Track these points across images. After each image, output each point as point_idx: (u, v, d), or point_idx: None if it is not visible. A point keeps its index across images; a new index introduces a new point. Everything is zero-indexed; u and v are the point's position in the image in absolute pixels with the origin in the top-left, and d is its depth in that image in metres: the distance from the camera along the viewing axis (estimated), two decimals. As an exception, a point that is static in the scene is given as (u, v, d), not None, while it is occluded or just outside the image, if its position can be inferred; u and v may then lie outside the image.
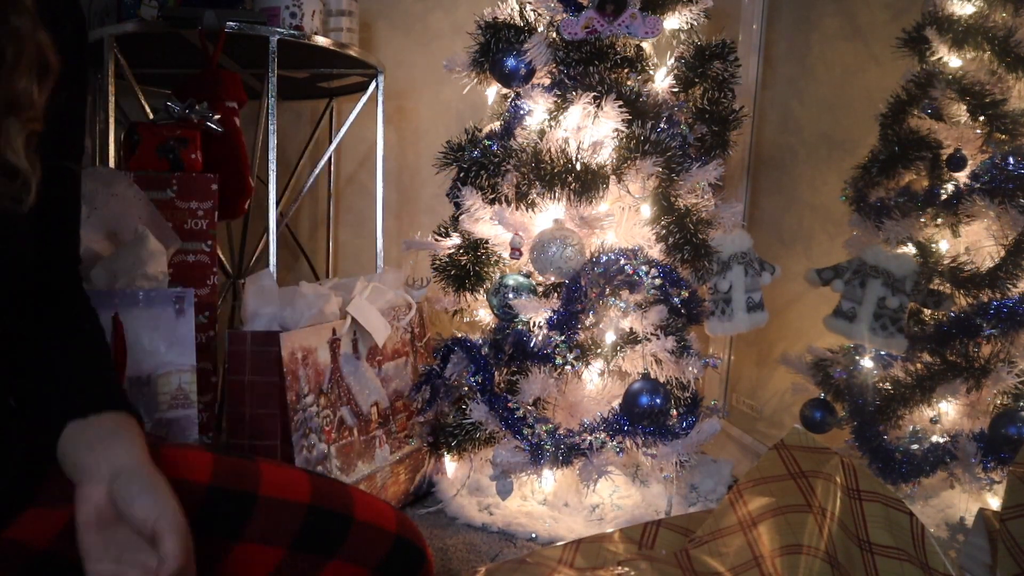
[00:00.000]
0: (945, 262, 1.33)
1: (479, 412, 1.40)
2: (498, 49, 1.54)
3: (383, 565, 0.69)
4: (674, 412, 1.45)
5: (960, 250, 1.34)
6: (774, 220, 1.88)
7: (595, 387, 1.52)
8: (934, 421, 1.35)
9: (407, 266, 1.74)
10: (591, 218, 1.43)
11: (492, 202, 1.51)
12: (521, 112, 1.56)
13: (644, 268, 1.40)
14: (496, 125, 1.61)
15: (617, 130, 1.45)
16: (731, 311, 1.48)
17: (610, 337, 1.45)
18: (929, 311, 1.39)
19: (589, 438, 1.38)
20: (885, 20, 1.55)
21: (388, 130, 2.20)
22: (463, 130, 1.60)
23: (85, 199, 1.15)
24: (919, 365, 1.36)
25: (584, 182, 1.41)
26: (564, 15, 1.48)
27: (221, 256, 2.00)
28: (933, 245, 1.36)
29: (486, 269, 1.56)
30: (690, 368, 1.42)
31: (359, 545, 0.69)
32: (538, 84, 1.55)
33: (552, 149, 1.43)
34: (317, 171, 1.99)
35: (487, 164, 1.50)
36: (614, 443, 1.38)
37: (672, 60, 1.59)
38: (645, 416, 1.39)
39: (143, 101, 1.85)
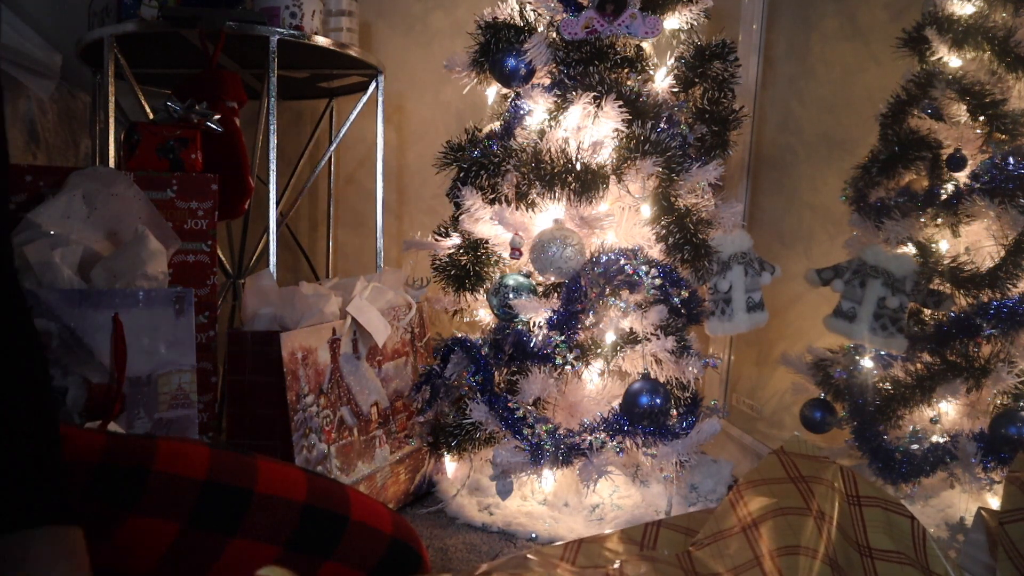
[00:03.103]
0: (945, 262, 1.33)
1: (479, 412, 1.40)
2: (498, 49, 1.54)
3: (378, 567, 0.69)
4: (674, 412, 1.45)
5: (960, 250, 1.34)
6: (774, 220, 1.87)
7: (595, 387, 1.52)
8: (934, 421, 1.35)
9: (407, 266, 1.75)
10: (591, 218, 1.43)
11: (492, 202, 1.51)
12: (521, 112, 1.56)
13: (644, 268, 1.40)
14: (496, 125, 1.61)
15: (617, 130, 1.45)
16: (731, 311, 1.48)
17: (610, 337, 1.45)
18: (929, 311, 1.39)
19: (589, 438, 1.38)
20: (885, 20, 1.55)
21: (388, 130, 2.21)
22: (463, 130, 1.61)
23: (85, 199, 1.15)
24: (919, 365, 1.36)
25: (584, 182, 1.41)
26: (564, 15, 1.48)
27: (221, 256, 2.00)
28: (933, 245, 1.36)
29: (486, 269, 1.56)
30: (690, 368, 1.42)
31: (354, 546, 0.69)
32: (538, 84, 1.55)
33: (552, 149, 1.43)
34: (317, 171, 1.99)
35: (487, 164, 1.50)
36: (614, 443, 1.38)
37: (672, 60, 1.59)
38: (645, 416, 1.39)
39: (143, 101, 1.85)
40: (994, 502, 1.28)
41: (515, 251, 1.47)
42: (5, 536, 0.44)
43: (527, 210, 1.49)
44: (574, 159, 1.41)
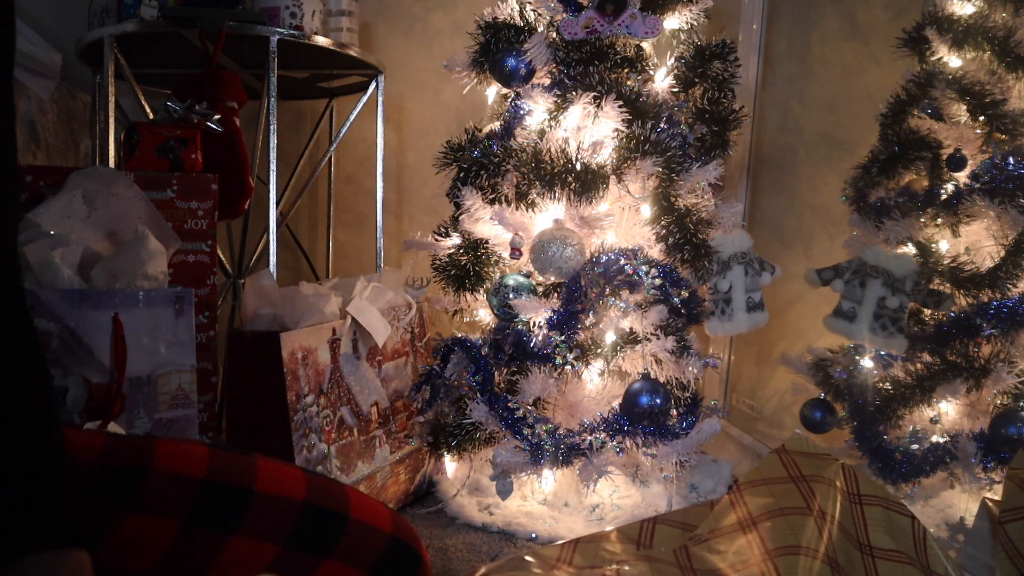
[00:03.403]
0: (945, 262, 1.33)
1: (479, 412, 1.40)
2: (498, 49, 1.54)
3: (378, 566, 0.69)
4: (674, 412, 1.45)
5: (960, 250, 1.34)
6: (774, 220, 1.87)
7: (595, 387, 1.52)
8: (934, 421, 1.35)
9: (407, 266, 1.74)
10: (591, 218, 1.43)
11: (492, 202, 1.51)
12: (521, 112, 1.56)
13: (644, 268, 1.40)
14: (496, 125, 1.61)
15: (617, 130, 1.45)
16: (731, 311, 1.48)
17: (610, 337, 1.45)
18: (929, 311, 1.39)
19: (589, 438, 1.38)
20: (885, 20, 1.55)
21: (388, 130, 2.21)
22: (463, 130, 1.61)
23: (85, 199, 1.15)
24: (919, 365, 1.36)
25: (584, 182, 1.41)
26: (564, 15, 1.48)
27: (221, 256, 2.00)
28: (933, 245, 1.36)
29: (486, 269, 1.56)
30: (690, 368, 1.42)
31: (354, 545, 0.69)
32: (538, 84, 1.55)
33: (552, 149, 1.43)
34: (317, 171, 1.99)
35: (487, 164, 1.50)
36: (614, 443, 1.38)
37: (672, 60, 1.59)
38: (645, 416, 1.39)
39: (143, 101, 1.85)
40: (996, 499, 1.28)
41: (515, 251, 1.47)
42: (7, 564, 0.42)
43: (527, 210, 1.49)
44: (574, 159, 1.41)
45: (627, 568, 1.04)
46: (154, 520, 0.63)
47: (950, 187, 1.32)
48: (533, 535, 1.39)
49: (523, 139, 1.52)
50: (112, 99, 1.62)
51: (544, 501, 1.49)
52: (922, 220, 1.36)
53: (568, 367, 1.41)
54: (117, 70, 1.63)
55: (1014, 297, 1.25)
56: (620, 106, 1.43)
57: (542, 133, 1.49)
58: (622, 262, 1.40)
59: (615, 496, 1.49)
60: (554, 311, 1.41)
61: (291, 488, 0.68)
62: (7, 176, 0.51)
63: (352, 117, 1.97)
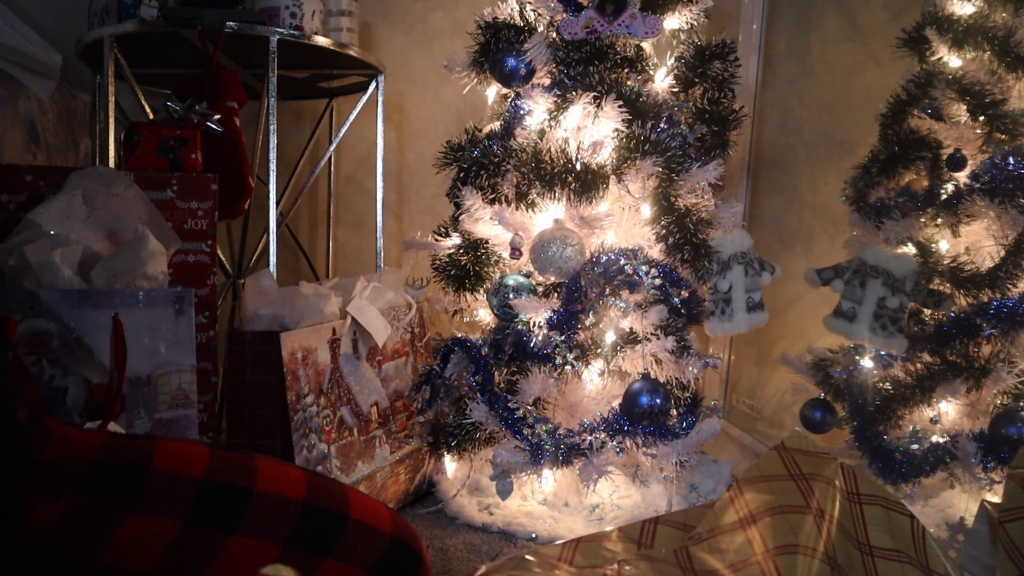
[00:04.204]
0: (945, 262, 1.33)
1: (479, 412, 1.40)
2: (498, 49, 1.54)
3: (378, 566, 0.70)
4: (674, 412, 1.45)
5: (960, 250, 1.34)
6: (774, 220, 1.87)
7: (595, 387, 1.52)
8: (934, 421, 1.35)
9: (407, 266, 1.74)
10: (591, 218, 1.43)
11: (492, 202, 1.51)
12: (521, 112, 1.56)
13: (644, 268, 1.40)
14: (496, 125, 1.61)
15: (617, 130, 1.45)
16: (731, 311, 1.48)
17: (610, 337, 1.45)
18: (929, 311, 1.39)
19: (589, 438, 1.38)
20: (885, 20, 1.55)
21: (388, 130, 2.21)
22: (463, 130, 1.61)
23: (85, 199, 1.15)
24: (919, 365, 1.36)
25: (584, 182, 1.41)
26: (564, 15, 1.48)
27: (221, 256, 2.00)
28: (933, 245, 1.36)
29: (486, 269, 1.56)
30: (690, 368, 1.42)
31: (354, 544, 0.69)
32: (538, 84, 1.55)
33: (552, 149, 1.43)
34: (317, 171, 1.99)
35: (487, 164, 1.50)
36: (614, 443, 1.38)
37: (672, 60, 1.60)
38: (645, 416, 1.39)
39: (143, 101, 1.85)
40: (995, 501, 1.28)
41: (515, 251, 1.47)
42: None
43: (527, 210, 1.49)
44: (574, 159, 1.41)
45: (628, 567, 1.04)
46: (154, 520, 0.63)
47: (950, 187, 1.32)
48: (533, 535, 1.39)
49: (523, 139, 1.52)
50: (112, 99, 1.62)
51: (544, 501, 1.49)
52: (922, 220, 1.36)
53: (568, 367, 1.41)
54: (117, 70, 1.63)
55: (1014, 297, 1.25)
56: (620, 106, 1.43)
57: (542, 133, 1.50)
58: (622, 262, 1.40)
59: (615, 496, 1.49)
60: (554, 311, 1.41)
61: (291, 488, 0.69)
62: None
63: (352, 117, 1.97)
